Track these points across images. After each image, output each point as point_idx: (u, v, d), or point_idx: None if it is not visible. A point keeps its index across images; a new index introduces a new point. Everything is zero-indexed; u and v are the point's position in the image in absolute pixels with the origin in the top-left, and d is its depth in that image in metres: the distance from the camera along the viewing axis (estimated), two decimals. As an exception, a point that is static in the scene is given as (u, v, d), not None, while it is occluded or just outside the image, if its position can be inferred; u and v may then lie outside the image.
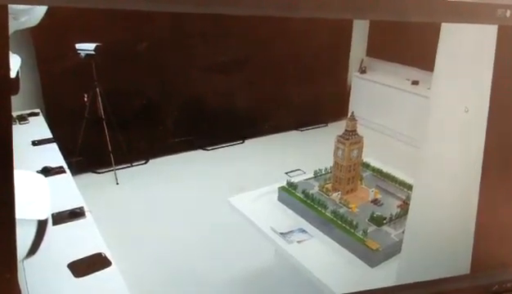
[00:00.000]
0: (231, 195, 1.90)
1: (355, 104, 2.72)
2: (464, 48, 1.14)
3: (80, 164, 2.09)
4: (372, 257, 1.60)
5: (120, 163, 2.25)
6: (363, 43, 2.76)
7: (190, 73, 2.36)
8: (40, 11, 1.28)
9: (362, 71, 2.77)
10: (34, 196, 0.85)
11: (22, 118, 1.93)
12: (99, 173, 2.23)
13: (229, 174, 2.31)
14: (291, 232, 1.71)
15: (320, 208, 1.80)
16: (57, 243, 1.19)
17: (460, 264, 1.20)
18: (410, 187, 1.85)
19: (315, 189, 1.93)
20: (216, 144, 2.50)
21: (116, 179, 2.22)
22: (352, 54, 2.78)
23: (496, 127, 1.10)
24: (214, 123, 2.46)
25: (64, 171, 1.60)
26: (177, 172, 2.33)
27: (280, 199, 1.93)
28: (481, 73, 1.09)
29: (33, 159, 1.63)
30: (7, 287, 0.80)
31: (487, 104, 1.09)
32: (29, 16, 1.21)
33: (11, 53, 0.76)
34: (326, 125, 2.74)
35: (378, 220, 1.73)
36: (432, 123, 1.27)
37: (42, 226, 0.83)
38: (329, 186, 1.92)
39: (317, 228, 1.74)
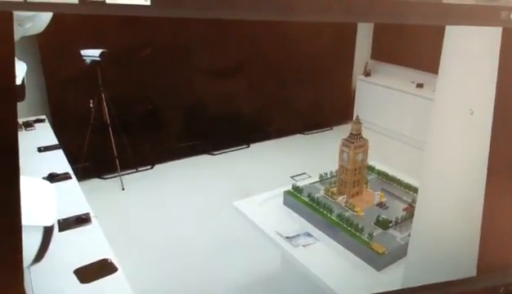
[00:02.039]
0: (236, 199, 1.91)
1: (360, 108, 2.72)
2: (469, 50, 1.14)
3: (86, 170, 2.10)
4: (378, 261, 1.59)
5: (126, 169, 2.26)
6: (367, 46, 2.76)
7: (195, 78, 2.37)
8: (45, 18, 1.28)
9: (367, 74, 2.76)
10: (40, 202, 0.85)
11: (28, 125, 1.94)
12: (105, 179, 2.24)
13: (234, 178, 2.31)
14: (297, 236, 1.71)
15: (325, 212, 1.80)
16: (63, 249, 1.19)
17: (466, 266, 1.20)
18: (415, 190, 1.85)
19: (320, 193, 1.92)
20: (221, 149, 2.51)
21: (122, 184, 2.22)
22: (356, 57, 2.78)
23: (501, 129, 1.10)
24: (219, 128, 2.47)
25: (70, 177, 1.61)
26: (182, 177, 2.33)
27: (286, 203, 1.93)
28: (485, 75, 1.09)
29: (39, 166, 1.64)
30: (14, 292, 0.81)
31: (492, 106, 1.09)
32: (34, 23, 1.21)
33: (16, 60, 0.76)
34: (331, 128, 2.74)
35: (383, 224, 1.73)
36: (436, 126, 1.27)
37: (48, 232, 0.83)
38: (334, 190, 1.92)
39: (323, 231, 1.74)
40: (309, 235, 1.73)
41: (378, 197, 1.88)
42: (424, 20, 1.01)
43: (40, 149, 1.77)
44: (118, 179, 2.22)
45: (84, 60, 2.06)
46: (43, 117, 2.04)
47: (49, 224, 0.83)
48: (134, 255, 1.73)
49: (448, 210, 1.24)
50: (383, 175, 2.04)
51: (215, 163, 2.46)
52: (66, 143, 1.84)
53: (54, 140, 1.85)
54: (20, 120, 1.88)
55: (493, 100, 1.09)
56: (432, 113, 1.26)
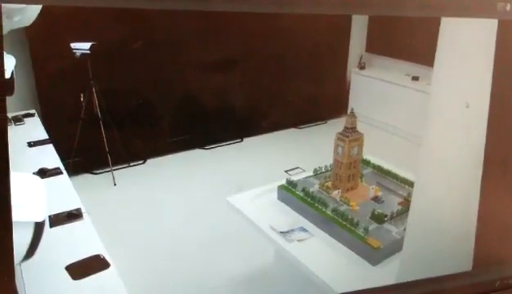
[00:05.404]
0: (230, 194, 1.90)
1: (354, 101, 2.71)
2: (465, 43, 1.14)
3: (77, 165, 2.07)
4: (373, 255, 1.59)
5: (117, 164, 2.24)
6: (362, 39, 2.74)
7: (187, 72, 2.35)
8: (34, 10, 1.26)
9: (361, 67, 2.75)
10: (31, 198, 0.84)
11: (17, 119, 1.92)
12: (96, 174, 2.21)
13: (228, 173, 2.30)
14: (291, 231, 1.71)
15: (320, 206, 1.79)
16: (55, 246, 1.18)
17: (461, 261, 1.20)
18: (411, 184, 1.84)
19: (315, 187, 1.92)
20: (214, 143, 2.49)
21: (114, 179, 2.20)
22: (350, 50, 2.76)
23: (497, 122, 1.10)
24: (212, 122, 2.45)
25: (60, 173, 1.59)
26: (175, 172, 2.31)
27: (280, 198, 1.92)
28: (481, 67, 1.08)
29: (29, 161, 1.62)
30: (4, 290, 0.80)
31: (488, 100, 1.09)
32: (22, 15, 1.19)
33: (5, 53, 0.75)
34: (325, 122, 2.73)
35: (379, 218, 1.72)
36: (432, 119, 1.27)
37: (39, 228, 0.81)
38: (329, 184, 1.91)
39: (318, 226, 1.73)
40: (304, 230, 1.72)
41: (373, 191, 1.88)
42: (419, 12, 1.00)
43: (30, 144, 1.75)
44: (109, 174, 2.20)
45: (74, 53, 2.03)
46: (33, 111, 2.01)
47: (40, 219, 0.81)
48: (126, 250, 1.72)
49: (444, 204, 1.24)
50: (378, 169, 2.03)
51: (208, 158, 2.44)
52: (57, 138, 1.82)
53: (44, 135, 1.83)
54: (10, 115, 1.85)
55: (489, 93, 1.08)
56: (428, 107, 1.26)
